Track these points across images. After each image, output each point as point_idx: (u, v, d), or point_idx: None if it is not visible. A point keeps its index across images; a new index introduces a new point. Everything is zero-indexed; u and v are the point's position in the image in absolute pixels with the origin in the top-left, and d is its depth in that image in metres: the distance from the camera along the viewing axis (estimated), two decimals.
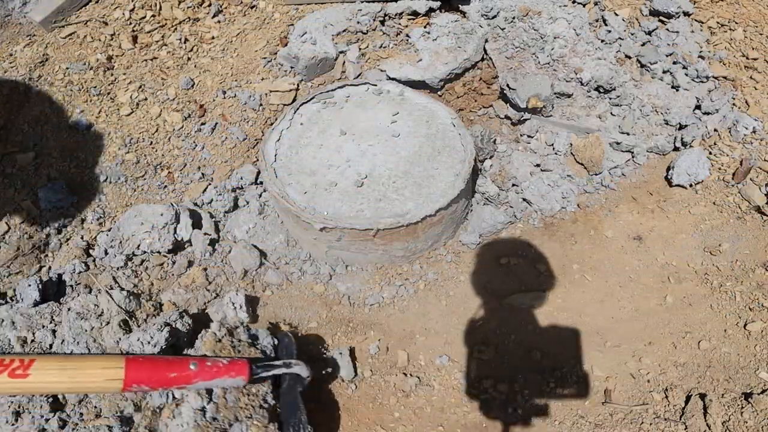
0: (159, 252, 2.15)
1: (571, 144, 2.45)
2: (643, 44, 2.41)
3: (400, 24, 2.57)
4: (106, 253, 2.14)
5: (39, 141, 2.29)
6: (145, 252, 2.13)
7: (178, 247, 2.18)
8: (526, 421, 1.88)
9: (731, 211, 2.18)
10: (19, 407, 1.47)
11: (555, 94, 2.42)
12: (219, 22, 2.57)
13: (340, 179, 2.10)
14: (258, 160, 2.39)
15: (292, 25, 2.58)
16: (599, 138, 2.37)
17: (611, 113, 2.43)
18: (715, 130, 2.29)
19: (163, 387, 1.41)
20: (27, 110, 2.29)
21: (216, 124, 2.46)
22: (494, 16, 2.47)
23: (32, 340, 1.68)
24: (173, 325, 1.71)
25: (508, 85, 2.44)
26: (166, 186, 2.39)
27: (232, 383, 1.46)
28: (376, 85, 2.37)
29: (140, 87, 2.43)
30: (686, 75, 2.35)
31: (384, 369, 2.04)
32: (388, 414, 1.92)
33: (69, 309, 1.71)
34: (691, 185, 2.26)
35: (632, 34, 2.42)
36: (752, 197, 2.12)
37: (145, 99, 2.43)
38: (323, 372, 1.84)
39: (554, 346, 2.06)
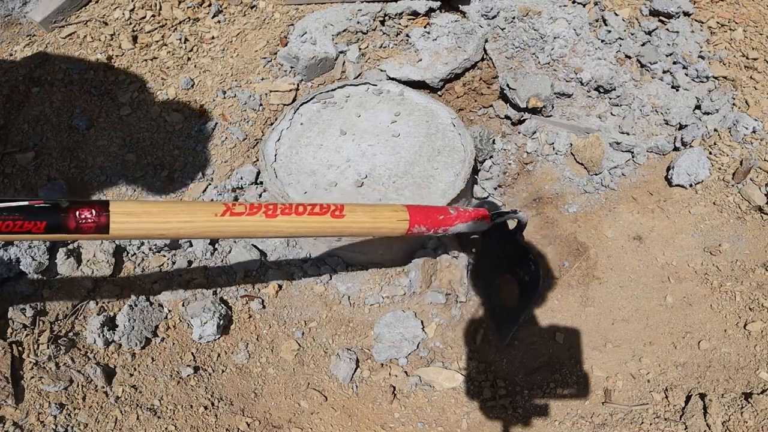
0: (159, 251, 2.15)
1: (571, 144, 2.45)
2: (643, 44, 2.41)
3: (400, 24, 2.57)
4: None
5: (39, 141, 2.28)
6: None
7: (177, 245, 2.19)
8: (526, 421, 1.88)
9: (731, 211, 2.18)
10: None
11: (555, 94, 2.42)
12: (219, 22, 2.57)
13: (340, 179, 2.10)
14: (258, 160, 2.39)
15: (292, 25, 2.58)
16: (599, 138, 2.37)
17: (611, 113, 2.43)
18: (715, 130, 2.29)
19: (434, 228, 1.63)
20: (27, 110, 2.29)
21: (216, 124, 2.46)
22: (494, 16, 2.48)
23: None
24: None
25: (508, 85, 2.44)
26: (166, 186, 2.39)
27: (480, 225, 1.73)
28: (376, 85, 2.37)
29: (140, 87, 2.43)
30: (686, 75, 2.35)
31: (384, 369, 2.04)
32: (387, 414, 1.92)
33: None
34: (691, 185, 2.26)
35: (632, 34, 2.42)
36: (752, 197, 2.12)
37: (145, 99, 2.43)
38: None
39: (554, 346, 2.06)
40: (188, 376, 1.90)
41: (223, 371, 1.96)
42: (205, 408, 1.83)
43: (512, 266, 1.86)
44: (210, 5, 2.56)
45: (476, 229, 1.74)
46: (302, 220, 1.45)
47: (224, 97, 2.48)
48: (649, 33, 2.39)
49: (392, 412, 1.92)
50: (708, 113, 2.31)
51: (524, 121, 2.51)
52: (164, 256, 2.16)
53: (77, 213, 1.19)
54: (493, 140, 2.46)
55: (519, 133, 2.52)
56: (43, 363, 1.74)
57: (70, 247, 2.01)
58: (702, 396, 1.78)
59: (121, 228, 1.26)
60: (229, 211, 1.36)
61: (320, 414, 1.89)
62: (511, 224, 1.85)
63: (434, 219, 1.62)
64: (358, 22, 2.49)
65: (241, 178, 2.39)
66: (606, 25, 2.43)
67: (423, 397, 1.95)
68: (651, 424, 1.77)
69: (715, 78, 2.34)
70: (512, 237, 1.86)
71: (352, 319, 2.15)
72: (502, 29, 2.48)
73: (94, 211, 1.20)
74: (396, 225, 1.56)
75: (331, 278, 2.23)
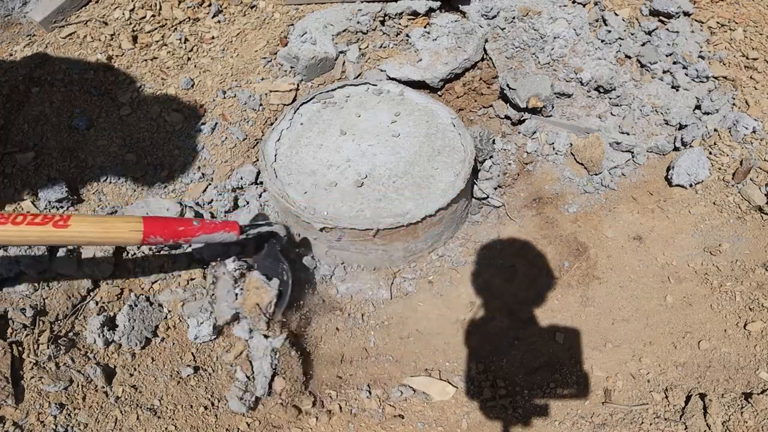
0: (160, 251, 2.15)
1: (571, 144, 2.45)
2: (643, 44, 2.40)
3: (400, 24, 2.57)
4: None
5: (39, 141, 2.28)
6: None
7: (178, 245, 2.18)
8: (526, 421, 1.88)
9: (731, 211, 2.18)
10: None
11: (555, 94, 2.42)
12: (219, 22, 2.57)
13: (340, 179, 2.10)
14: (258, 160, 2.39)
15: (292, 25, 2.58)
16: (599, 138, 2.37)
17: (611, 113, 2.43)
18: (715, 130, 2.29)
19: (173, 239, 1.67)
20: (27, 110, 2.29)
21: (216, 123, 2.46)
22: (494, 16, 2.47)
23: None
24: None
25: (508, 85, 2.44)
26: (166, 186, 2.39)
27: (227, 237, 1.78)
28: (376, 85, 2.37)
29: (140, 87, 2.43)
30: (686, 75, 2.35)
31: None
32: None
33: None
34: (691, 185, 2.26)
35: (632, 34, 2.42)
36: (752, 197, 2.12)
37: (145, 99, 2.43)
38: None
39: (554, 346, 2.06)
40: (188, 376, 1.90)
41: (222, 371, 1.96)
42: (205, 408, 1.84)
43: (271, 276, 1.88)
44: (210, 5, 2.56)
45: (224, 240, 1.78)
46: (19, 230, 1.46)
47: (224, 97, 2.48)
48: (649, 33, 2.39)
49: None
50: (708, 113, 2.31)
51: (524, 121, 2.51)
52: (165, 254, 2.16)
53: None
54: (493, 140, 2.46)
55: (519, 133, 2.52)
56: (43, 363, 1.74)
57: (70, 246, 2.01)
58: (702, 396, 1.78)
59: None
60: None
61: (320, 418, 1.90)
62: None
63: (172, 230, 1.66)
64: (358, 22, 2.49)
65: (241, 178, 2.38)
66: (606, 25, 2.43)
67: (423, 396, 1.96)
68: (651, 424, 1.77)
69: (715, 78, 2.34)
70: (272, 248, 1.92)
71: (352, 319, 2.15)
72: (502, 29, 2.48)
73: None
74: (129, 235, 1.60)
75: (331, 278, 2.23)
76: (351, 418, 1.89)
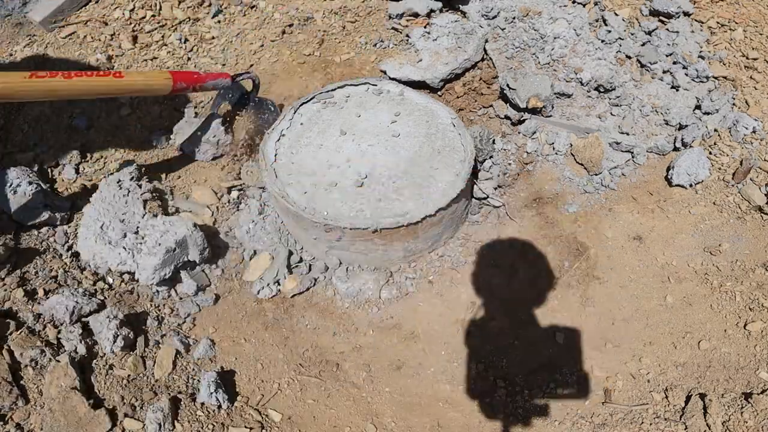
0: None
1: (571, 144, 2.45)
2: (643, 44, 2.40)
3: (400, 24, 2.57)
4: None
5: (39, 141, 2.28)
6: None
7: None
8: (526, 421, 1.88)
9: (731, 211, 2.18)
10: None
11: (555, 94, 2.42)
12: (219, 22, 2.57)
13: (340, 179, 2.10)
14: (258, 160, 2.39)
15: (292, 24, 2.58)
16: (599, 138, 2.37)
17: (611, 113, 2.43)
18: (715, 130, 2.29)
19: (192, 84, 2.11)
20: (27, 110, 2.29)
21: None
22: (494, 17, 2.47)
23: None
24: None
25: (508, 85, 2.44)
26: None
27: (224, 82, 2.26)
28: (376, 85, 2.37)
29: None
30: (686, 75, 2.35)
31: (384, 368, 2.04)
32: (386, 412, 1.92)
33: None
34: (691, 185, 2.26)
35: (632, 34, 2.42)
36: (752, 197, 2.12)
37: (145, 99, 2.43)
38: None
39: (554, 346, 2.06)
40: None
41: None
42: None
43: (258, 115, 2.43)
44: (210, 5, 2.56)
45: (222, 83, 2.26)
46: (92, 80, 1.80)
47: None
48: (649, 33, 2.39)
49: (391, 411, 1.92)
50: (708, 113, 2.31)
51: (524, 121, 2.51)
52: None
53: None
54: (493, 140, 2.46)
55: (519, 133, 2.52)
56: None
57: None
58: (702, 396, 1.78)
59: None
60: (34, 75, 1.66)
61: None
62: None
63: (191, 78, 2.11)
64: None
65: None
66: (606, 25, 2.43)
67: (422, 396, 1.95)
68: (651, 424, 1.77)
69: (715, 78, 2.34)
70: (251, 96, 2.42)
71: (353, 319, 2.15)
72: (503, 29, 2.48)
73: None
74: (163, 83, 2.00)
75: (331, 278, 2.23)
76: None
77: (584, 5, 2.47)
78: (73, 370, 1.64)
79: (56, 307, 1.81)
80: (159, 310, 2.03)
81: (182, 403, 1.75)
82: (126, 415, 1.65)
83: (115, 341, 1.79)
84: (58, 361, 1.68)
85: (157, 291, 2.06)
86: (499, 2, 2.46)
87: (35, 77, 1.65)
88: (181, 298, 2.09)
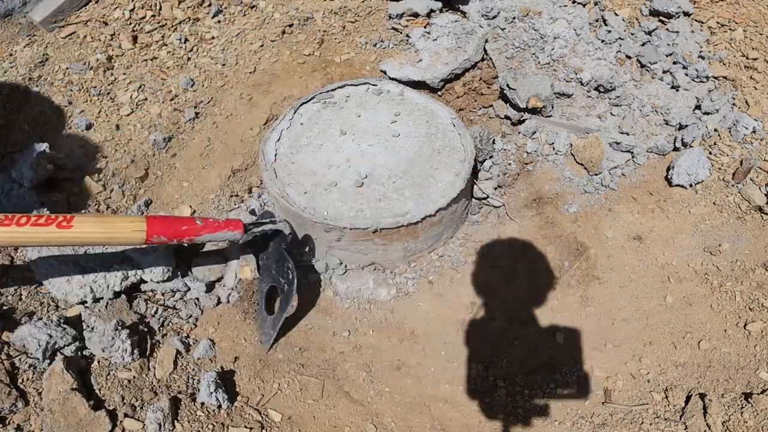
0: None
1: (571, 144, 2.45)
2: (643, 44, 2.40)
3: (400, 24, 2.57)
4: None
5: (39, 141, 2.28)
6: None
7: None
8: (526, 421, 1.88)
9: (731, 211, 2.18)
10: None
11: (555, 93, 2.42)
12: (219, 22, 2.57)
13: (340, 179, 2.10)
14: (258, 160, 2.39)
15: (292, 24, 2.58)
16: (599, 138, 2.37)
17: (611, 113, 2.43)
18: (715, 130, 2.29)
19: (177, 238, 1.68)
20: (27, 110, 2.29)
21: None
22: (494, 17, 2.47)
23: None
24: None
25: (508, 85, 2.44)
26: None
27: (231, 236, 1.79)
28: (376, 85, 2.37)
29: (140, 87, 2.42)
30: (686, 75, 2.35)
31: (384, 368, 2.04)
32: (386, 412, 1.92)
33: None
34: (691, 185, 2.26)
35: (632, 34, 2.42)
36: (752, 197, 2.12)
37: (145, 99, 2.43)
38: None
39: (554, 346, 2.06)
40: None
41: None
42: None
43: (277, 275, 1.92)
44: (210, 5, 2.56)
45: (229, 238, 1.81)
46: (22, 231, 1.49)
47: None
48: (649, 33, 2.39)
49: (391, 410, 1.92)
50: (708, 113, 2.31)
51: (524, 121, 2.51)
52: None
53: None
54: (493, 140, 2.46)
55: (519, 133, 2.52)
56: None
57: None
58: (702, 396, 1.78)
59: None
60: None
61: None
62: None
63: (176, 229, 1.68)
64: None
65: None
66: (606, 25, 2.43)
67: (422, 396, 1.95)
68: (651, 424, 1.77)
69: (715, 78, 2.34)
70: (278, 247, 1.95)
71: (352, 319, 2.15)
72: (503, 29, 2.48)
73: None
74: (132, 235, 1.61)
75: (331, 278, 2.23)
76: None
77: (584, 5, 2.47)
78: (70, 376, 1.63)
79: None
80: (163, 311, 2.03)
81: (182, 403, 1.75)
82: (126, 415, 1.65)
83: (132, 352, 1.78)
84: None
85: (162, 292, 2.06)
86: (499, 2, 2.46)
87: None
88: (185, 301, 2.09)
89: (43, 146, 2.07)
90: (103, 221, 1.62)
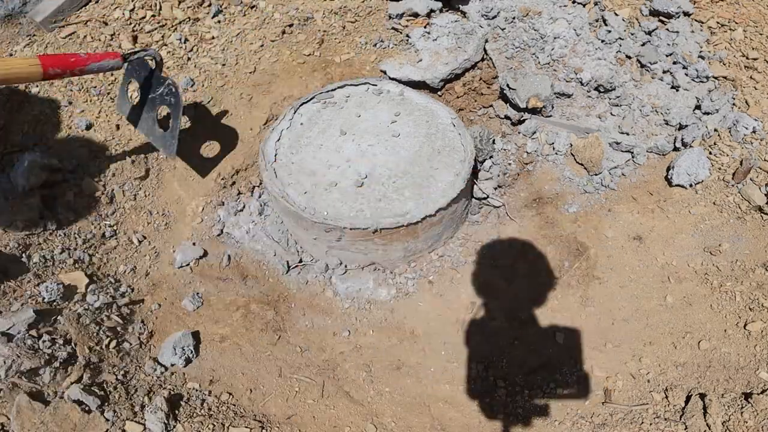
0: None
1: (571, 144, 2.45)
2: (643, 44, 2.40)
3: (400, 24, 2.57)
4: None
5: (39, 141, 2.28)
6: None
7: None
8: (526, 421, 1.88)
9: (731, 211, 2.18)
10: None
11: (555, 94, 2.42)
12: (219, 22, 2.57)
13: (340, 179, 2.10)
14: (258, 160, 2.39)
15: (292, 25, 2.58)
16: (599, 138, 2.37)
17: (611, 113, 2.43)
18: (715, 130, 2.29)
19: (69, 69, 1.88)
20: (27, 110, 2.29)
21: None
22: (494, 17, 2.47)
23: None
24: None
25: (508, 85, 2.44)
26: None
27: (112, 63, 2.02)
28: (376, 85, 2.37)
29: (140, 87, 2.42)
30: (686, 75, 2.35)
31: (384, 368, 2.04)
32: (386, 412, 1.92)
33: None
34: (691, 185, 2.26)
35: (632, 34, 2.42)
36: (752, 197, 2.12)
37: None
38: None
39: (554, 346, 2.06)
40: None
41: None
42: None
43: (160, 98, 2.19)
44: (210, 5, 2.56)
45: (110, 67, 2.03)
46: None
47: None
48: (649, 33, 2.39)
49: (391, 410, 1.92)
50: (708, 113, 2.31)
51: (524, 121, 2.51)
52: None
53: None
54: (493, 140, 2.46)
55: (519, 133, 2.52)
56: None
57: None
58: (702, 396, 1.78)
59: None
60: None
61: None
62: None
63: (66, 62, 1.88)
64: None
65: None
66: (606, 25, 2.43)
67: (422, 396, 1.95)
68: (651, 424, 1.77)
69: (715, 78, 2.34)
70: (155, 74, 2.19)
71: (352, 319, 2.15)
72: (503, 29, 2.48)
73: None
74: (30, 69, 1.80)
75: (330, 278, 2.23)
76: None
77: (584, 5, 2.47)
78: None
79: None
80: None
81: (182, 402, 1.75)
82: (127, 419, 1.65)
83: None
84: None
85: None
86: (500, 2, 2.46)
87: None
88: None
89: (35, 155, 2.08)
90: (3, 60, 1.77)
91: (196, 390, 1.84)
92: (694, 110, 2.35)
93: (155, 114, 2.23)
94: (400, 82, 2.44)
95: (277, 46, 2.61)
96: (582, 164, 2.42)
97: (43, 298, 1.88)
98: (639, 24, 2.41)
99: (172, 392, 1.79)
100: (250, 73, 2.56)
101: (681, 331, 1.99)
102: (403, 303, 2.18)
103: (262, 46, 2.58)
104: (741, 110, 2.26)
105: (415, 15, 2.53)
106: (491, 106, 2.61)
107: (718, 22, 2.35)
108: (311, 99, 2.34)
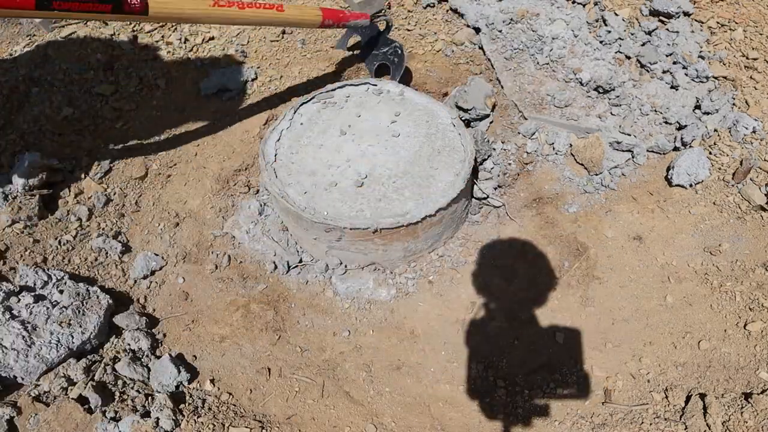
0: None
1: (571, 144, 2.45)
2: (643, 44, 2.41)
3: None
4: None
5: (39, 141, 2.28)
6: None
7: None
8: (526, 421, 1.88)
9: (731, 211, 2.18)
10: None
11: (551, 95, 2.42)
12: None
13: (340, 179, 2.10)
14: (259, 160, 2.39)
15: None
16: (599, 138, 2.37)
17: (611, 113, 2.43)
18: (715, 130, 2.29)
19: (338, 22, 2.32)
20: (27, 110, 2.29)
21: None
22: (493, 18, 2.47)
23: None
24: None
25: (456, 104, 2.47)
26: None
27: (363, 22, 2.45)
28: (376, 85, 2.37)
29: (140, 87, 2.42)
30: (686, 75, 2.35)
31: (384, 368, 2.04)
32: (386, 412, 1.92)
33: None
34: (691, 185, 2.26)
35: (632, 34, 2.42)
36: (752, 197, 2.12)
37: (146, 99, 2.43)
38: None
39: (554, 346, 2.06)
40: None
41: None
42: None
43: (385, 56, 2.61)
44: None
45: (362, 25, 2.46)
46: (259, 11, 2.02)
47: None
48: (649, 33, 2.39)
49: (391, 410, 1.92)
50: (708, 113, 2.31)
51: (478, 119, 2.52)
52: None
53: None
54: (489, 140, 2.46)
55: (519, 133, 2.52)
56: None
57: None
58: (702, 396, 1.78)
59: (156, 10, 1.75)
60: (216, 4, 1.90)
61: None
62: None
63: (337, 16, 2.31)
64: None
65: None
66: (606, 25, 2.43)
67: (422, 396, 1.96)
68: (651, 424, 1.77)
69: (715, 78, 2.34)
70: (383, 35, 2.62)
71: (352, 319, 2.15)
72: (500, 31, 2.48)
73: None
74: (314, 18, 2.22)
75: (330, 278, 2.23)
76: None
77: (584, 5, 2.47)
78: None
79: None
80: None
81: (182, 402, 1.75)
82: (134, 421, 1.65)
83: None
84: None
85: None
86: (498, 3, 2.46)
87: (217, 6, 1.89)
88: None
89: (35, 155, 2.08)
90: (300, 8, 2.24)
91: (197, 390, 1.84)
92: (694, 110, 2.35)
93: (372, 66, 2.67)
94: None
95: (277, 45, 2.61)
96: (582, 164, 2.42)
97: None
98: (639, 24, 2.42)
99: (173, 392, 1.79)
100: None
101: (681, 331, 1.99)
102: (403, 303, 2.18)
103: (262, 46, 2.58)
104: (741, 110, 2.26)
105: None
106: None
107: (718, 22, 2.35)
108: (311, 99, 2.34)
